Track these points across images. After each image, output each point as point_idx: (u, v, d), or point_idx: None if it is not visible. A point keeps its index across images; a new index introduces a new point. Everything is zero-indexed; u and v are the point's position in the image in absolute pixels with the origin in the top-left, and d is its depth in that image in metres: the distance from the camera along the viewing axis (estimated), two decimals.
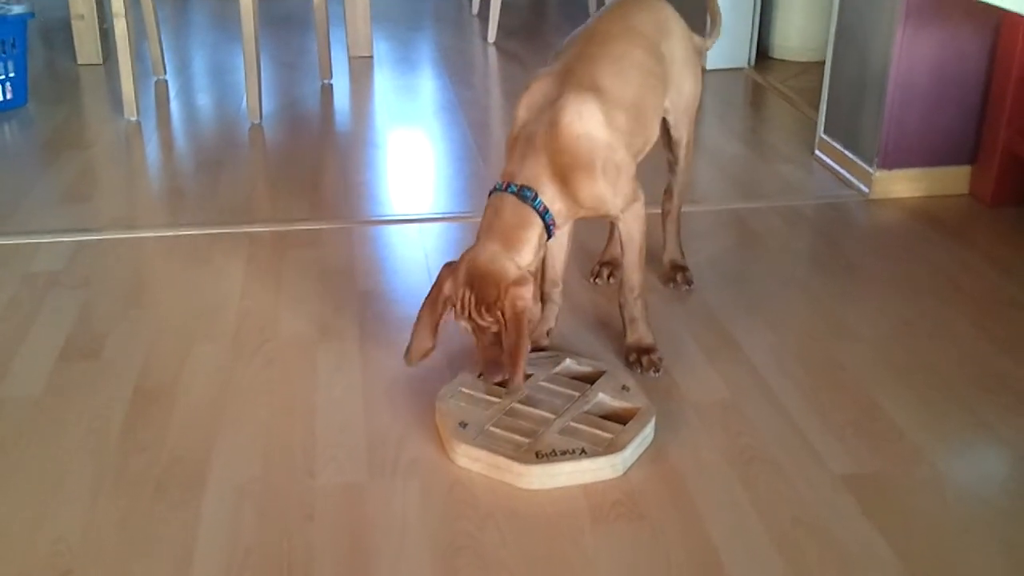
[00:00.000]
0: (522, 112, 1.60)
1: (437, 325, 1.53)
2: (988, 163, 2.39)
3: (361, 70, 3.59)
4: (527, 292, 1.47)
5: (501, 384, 1.55)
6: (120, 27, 2.94)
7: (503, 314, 1.47)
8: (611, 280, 2.03)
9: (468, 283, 1.49)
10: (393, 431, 1.58)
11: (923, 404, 1.65)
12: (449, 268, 1.53)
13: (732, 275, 2.08)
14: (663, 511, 1.41)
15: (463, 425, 1.52)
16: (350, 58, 3.73)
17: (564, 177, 1.54)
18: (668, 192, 1.99)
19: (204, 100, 3.26)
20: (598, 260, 2.06)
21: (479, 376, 1.60)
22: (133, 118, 3.02)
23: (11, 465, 1.51)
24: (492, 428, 1.52)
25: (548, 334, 1.79)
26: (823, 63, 2.69)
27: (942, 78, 2.37)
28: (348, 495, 1.44)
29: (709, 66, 3.49)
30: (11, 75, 3.08)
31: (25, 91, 3.15)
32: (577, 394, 1.60)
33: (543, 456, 1.46)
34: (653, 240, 1.92)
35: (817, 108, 2.75)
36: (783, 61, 3.64)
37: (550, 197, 1.54)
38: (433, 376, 1.70)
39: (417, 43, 3.97)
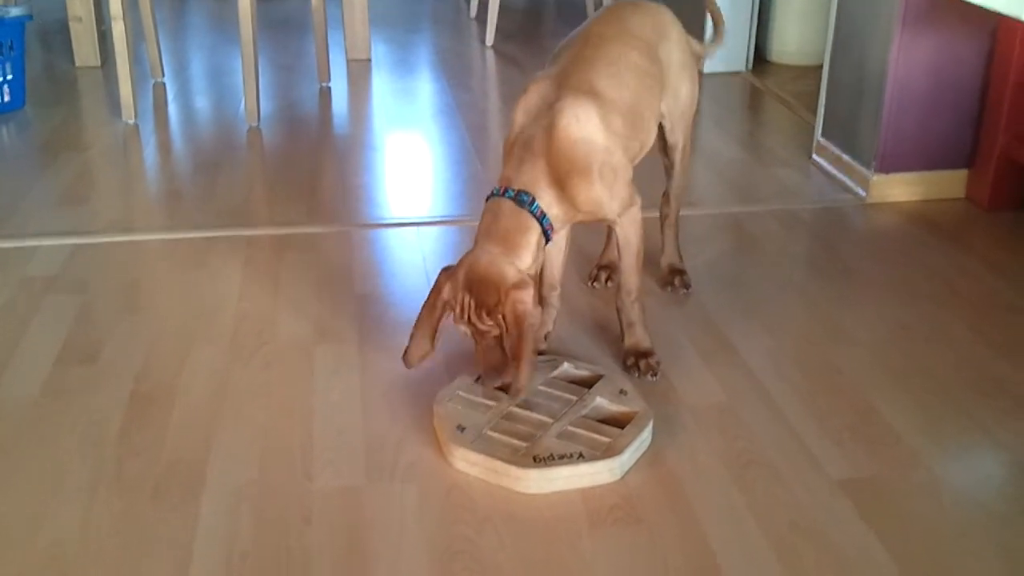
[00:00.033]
0: (519, 116, 1.60)
1: (436, 329, 1.53)
2: (985, 167, 2.40)
3: (359, 73, 3.59)
4: (528, 295, 1.47)
5: (503, 388, 1.55)
6: (118, 29, 2.94)
7: (504, 318, 1.47)
8: (609, 284, 2.03)
9: (467, 287, 1.49)
10: (391, 434, 1.58)
11: (920, 408, 1.65)
12: (447, 273, 1.53)
13: (729, 279, 2.08)
14: (660, 515, 1.41)
15: (461, 429, 1.52)
16: (348, 61, 3.73)
17: (561, 182, 1.54)
18: (666, 196, 1.99)
19: (202, 103, 3.26)
20: (596, 264, 2.06)
21: (477, 380, 1.60)
22: (131, 121, 3.02)
23: (8, 468, 1.51)
24: (490, 432, 1.52)
25: (546, 338, 1.79)
26: (821, 67, 2.70)
27: (939, 82, 2.38)
28: (346, 498, 1.44)
29: (707, 70, 3.50)
30: (9, 77, 3.08)
31: (23, 93, 3.15)
32: (575, 398, 1.61)
33: (541, 460, 1.46)
34: (651, 243, 1.93)
35: (815, 112, 2.75)
36: (781, 65, 3.65)
37: (548, 202, 1.54)
38: (431, 379, 1.70)
39: (415, 46, 3.97)
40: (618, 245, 1.69)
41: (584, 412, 1.58)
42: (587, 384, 1.65)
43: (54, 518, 1.40)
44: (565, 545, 1.35)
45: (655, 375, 1.72)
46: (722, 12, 2.02)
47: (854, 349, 1.82)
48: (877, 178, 2.44)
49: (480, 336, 1.51)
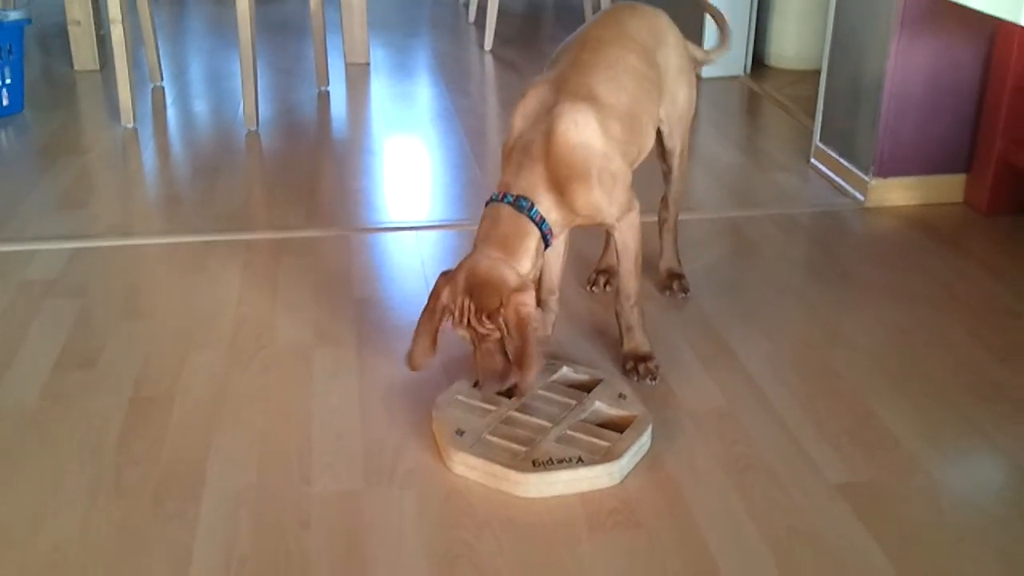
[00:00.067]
0: (518, 121, 1.60)
1: (436, 334, 1.53)
2: (983, 172, 2.40)
3: (358, 77, 3.60)
4: (529, 298, 1.47)
5: (507, 393, 1.55)
6: (117, 33, 2.94)
7: (506, 322, 1.47)
8: (607, 288, 2.03)
9: (467, 291, 1.48)
10: (390, 439, 1.58)
11: (919, 412, 1.65)
12: (446, 277, 1.53)
13: (728, 283, 2.08)
14: (659, 519, 1.41)
15: (460, 433, 1.52)
16: (347, 65, 3.73)
17: (560, 187, 1.54)
18: (664, 201, 1.99)
19: (201, 106, 3.26)
20: (595, 268, 2.06)
21: (474, 385, 1.60)
22: (130, 124, 3.02)
23: (8, 472, 1.51)
24: (489, 436, 1.52)
25: (545, 342, 1.79)
26: (819, 72, 2.70)
27: (937, 87, 2.38)
28: (344, 503, 1.44)
29: (705, 74, 3.51)
30: (7, 81, 3.08)
31: (22, 97, 3.15)
32: (574, 402, 1.61)
33: (540, 464, 1.46)
34: (649, 248, 1.93)
35: (813, 116, 2.76)
36: (779, 69, 3.66)
37: (546, 207, 1.55)
38: (430, 384, 1.70)
39: (414, 50, 3.97)
40: (617, 250, 1.69)
41: (583, 416, 1.58)
42: (586, 388, 1.65)
43: (53, 522, 1.40)
44: (564, 549, 1.35)
45: (654, 379, 1.72)
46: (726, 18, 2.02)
47: (853, 353, 1.82)
48: (875, 182, 2.45)
49: (480, 340, 1.50)
